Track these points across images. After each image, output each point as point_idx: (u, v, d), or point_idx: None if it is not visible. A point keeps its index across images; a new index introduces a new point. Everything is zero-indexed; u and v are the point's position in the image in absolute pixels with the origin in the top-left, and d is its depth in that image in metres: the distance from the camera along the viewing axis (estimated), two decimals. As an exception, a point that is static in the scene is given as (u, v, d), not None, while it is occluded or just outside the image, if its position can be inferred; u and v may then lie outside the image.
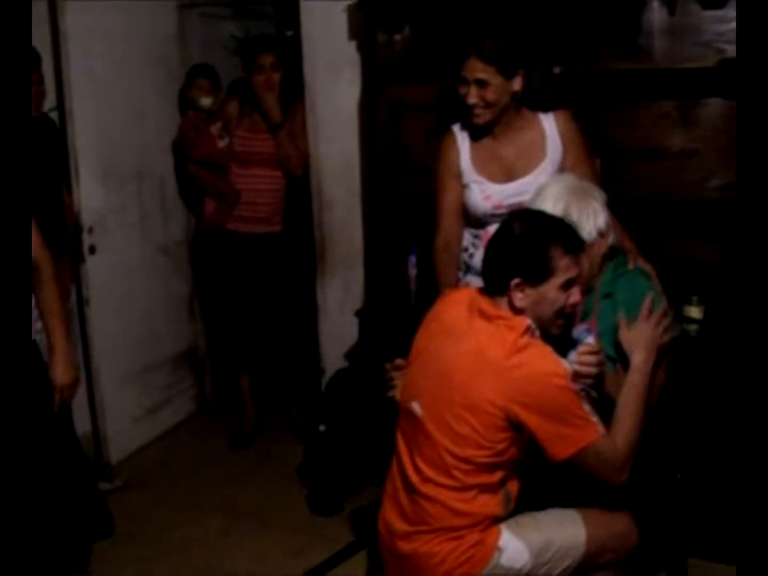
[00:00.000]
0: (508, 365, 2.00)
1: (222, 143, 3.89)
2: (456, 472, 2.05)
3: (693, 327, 2.93)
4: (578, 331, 2.42)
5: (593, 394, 2.20)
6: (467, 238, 2.89)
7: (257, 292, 3.98)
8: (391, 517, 2.21)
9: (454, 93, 2.72)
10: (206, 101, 3.93)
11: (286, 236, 3.98)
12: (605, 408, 2.19)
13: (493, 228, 2.73)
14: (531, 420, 1.99)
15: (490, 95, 2.63)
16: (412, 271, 3.31)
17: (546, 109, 2.76)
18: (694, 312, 2.93)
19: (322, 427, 3.42)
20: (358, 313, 3.52)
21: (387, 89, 3.39)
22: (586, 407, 2.04)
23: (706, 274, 3.10)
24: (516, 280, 2.07)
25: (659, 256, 2.97)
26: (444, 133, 2.87)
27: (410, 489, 2.15)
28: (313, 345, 3.92)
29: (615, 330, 2.35)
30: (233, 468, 3.88)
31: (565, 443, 2.00)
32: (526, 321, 2.06)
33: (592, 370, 2.14)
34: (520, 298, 2.08)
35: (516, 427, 2.02)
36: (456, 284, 2.78)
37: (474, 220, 2.84)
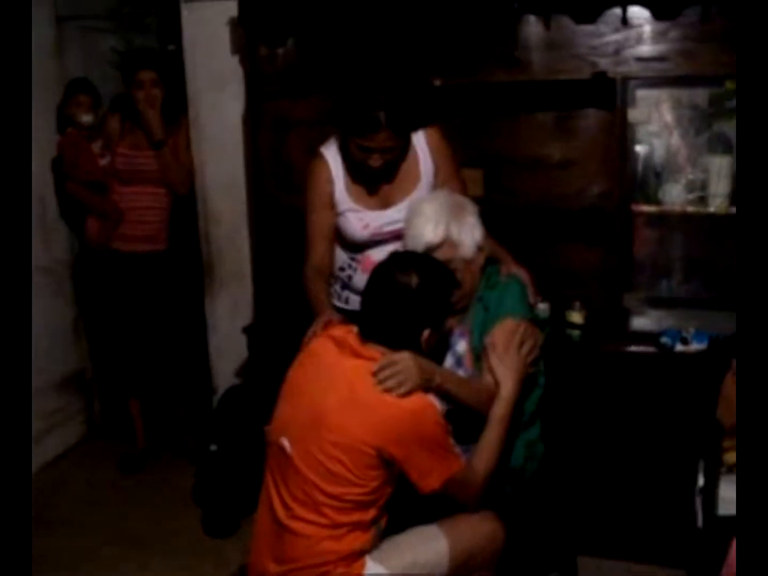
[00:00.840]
0: (380, 404, 2.01)
1: (103, 161, 3.79)
2: (326, 510, 2.03)
3: (575, 332, 2.99)
4: (453, 336, 2.46)
5: (448, 406, 2.23)
6: (343, 258, 2.80)
7: (144, 312, 3.88)
8: (262, 560, 2.16)
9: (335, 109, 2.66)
10: (87, 118, 3.82)
11: (173, 253, 3.89)
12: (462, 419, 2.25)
13: (373, 253, 2.72)
14: (403, 456, 2.01)
15: (394, 156, 2.58)
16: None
17: (416, 128, 2.69)
18: (576, 317, 3.00)
19: (213, 447, 3.36)
20: (247, 330, 3.48)
21: (270, 104, 3.38)
22: (451, 440, 2.10)
23: (587, 280, 3.19)
24: (427, 332, 2.13)
25: (542, 263, 3.05)
26: (314, 158, 2.73)
27: (279, 527, 2.11)
28: (204, 363, 3.86)
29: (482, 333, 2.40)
30: (125, 493, 3.78)
31: (433, 475, 2.05)
32: None
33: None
34: (425, 340, 2.14)
35: (388, 464, 2.03)
36: (330, 303, 2.65)
37: (351, 245, 2.76)
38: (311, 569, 2.05)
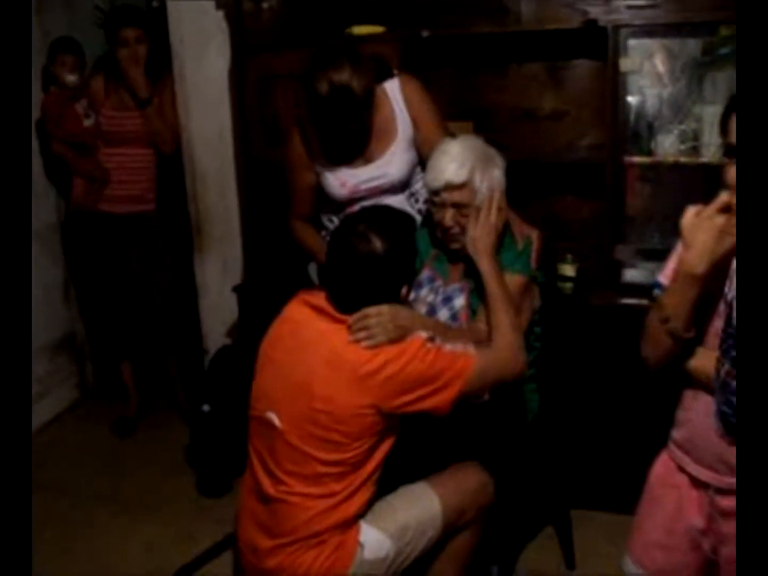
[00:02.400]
0: (366, 372, 1.96)
1: (88, 122, 3.72)
2: (326, 479, 2.01)
3: (567, 285, 2.97)
4: (452, 289, 2.44)
5: None
6: (326, 213, 2.86)
7: (134, 274, 3.84)
8: (251, 535, 2.13)
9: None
10: (71, 78, 3.73)
11: (161, 215, 3.86)
12: None
13: (353, 207, 2.71)
14: (403, 402, 1.98)
15: (365, 116, 2.59)
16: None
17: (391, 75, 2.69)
18: (568, 270, 2.98)
19: (206, 407, 3.35)
20: (237, 289, 3.45)
21: (255, 58, 3.31)
22: (448, 347, 2.04)
23: (579, 232, 3.16)
24: (405, 289, 2.12)
25: (533, 215, 3.01)
26: (294, 120, 2.78)
27: (268, 501, 2.08)
28: (195, 324, 3.83)
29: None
30: (118, 455, 3.78)
31: (445, 392, 2.00)
32: None
33: None
34: (403, 296, 2.13)
35: (389, 416, 2.00)
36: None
37: (334, 204, 2.78)
38: (306, 540, 2.03)
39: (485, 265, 2.26)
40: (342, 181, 2.69)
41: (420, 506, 2.15)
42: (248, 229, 3.60)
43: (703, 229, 1.57)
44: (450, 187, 2.33)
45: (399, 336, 2.02)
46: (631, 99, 2.96)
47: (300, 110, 2.71)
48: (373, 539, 2.06)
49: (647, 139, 2.94)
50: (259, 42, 3.31)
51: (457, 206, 2.35)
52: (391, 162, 2.67)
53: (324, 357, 2.00)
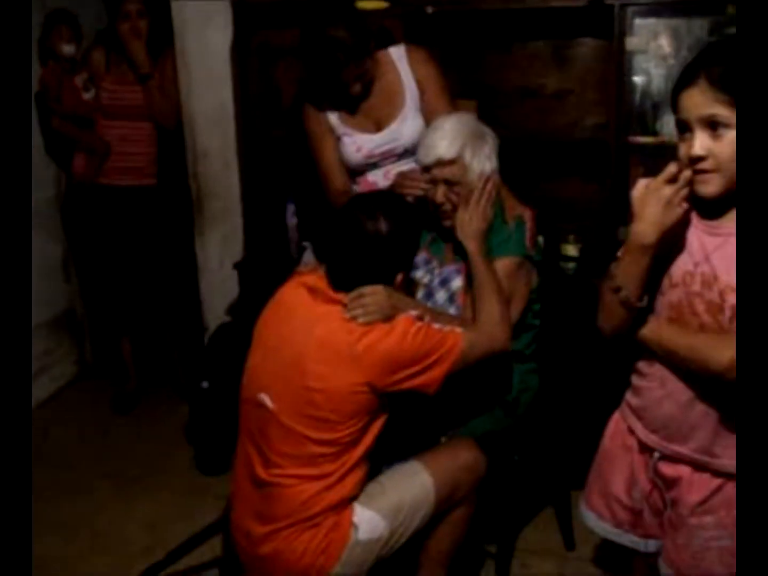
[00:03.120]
0: (359, 350, 1.96)
1: (87, 95, 3.70)
2: (320, 460, 2.00)
3: (570, 265, 2.96)
4: (448, 270, 2.43)
5: None
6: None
7: (134, 249, 3.82)
8: (245, 521, 2.12)
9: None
10: (68, 49, 3.70)
11: (162, 190, 3.83)
12: None
13: (369, 175, 2.78)
14: (394, 380, 1.99)
15: (368, 75, 2.65)
16: (291, 220, 3.24)
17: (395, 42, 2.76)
18: (571, 250, 2.97)
19: (205, 384, 3.34)
20: (237, 266, 3.44)
21: (258, 34, 3.29)
22: (436, 326, 2.06)
23: (582, 213, 3.14)
24: (400, 275, 2.11)
25: (537, 195, 3.00)
26: (307, 98, 2.81)
27: (261, 486, 2.07)
28: (194, 301, 3.82)
29: None
30: (117, 432, 3.77)
31: (436, 369, 2.02)
32: None
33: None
34: (398, 283, 2.12)
35: (381, 394, 2.00)
36: None
37: (349, 170, 2.82)
38: (301, 524, 2.02)
39: (472, 249, 2.27)
40: (358, 145, 2.74)
41: (412, 485, 2.15)
42: (249, 206, 3.58)
43: (652, 201, 1.62)
44: (440, 163, 2.33)
45: (392, 314, 2.03)
46: (637, 79, 2.94)
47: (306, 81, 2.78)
48: (367, 520, 2.06)
49: (652, 119, 2.92)
50: (261, 18, 3.28)
51: (449, 183, 2.35)
52: (402, 127, 2.70)
53: (318, 336, 2.00)
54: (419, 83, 2.70)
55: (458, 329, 2.08)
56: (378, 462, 2.17)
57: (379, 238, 2.03)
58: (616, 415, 2.00)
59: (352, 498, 2.06)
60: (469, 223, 2.30)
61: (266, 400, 2.04)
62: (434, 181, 2.37)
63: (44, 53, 3.77)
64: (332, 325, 2.00)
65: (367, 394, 1.98)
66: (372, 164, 2.76)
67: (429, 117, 2.65)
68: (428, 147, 2.35)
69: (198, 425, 3.45)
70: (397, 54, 2.73)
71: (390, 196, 2.29)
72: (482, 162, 2.35)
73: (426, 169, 2.37)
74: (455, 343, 2.04)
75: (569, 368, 2.86)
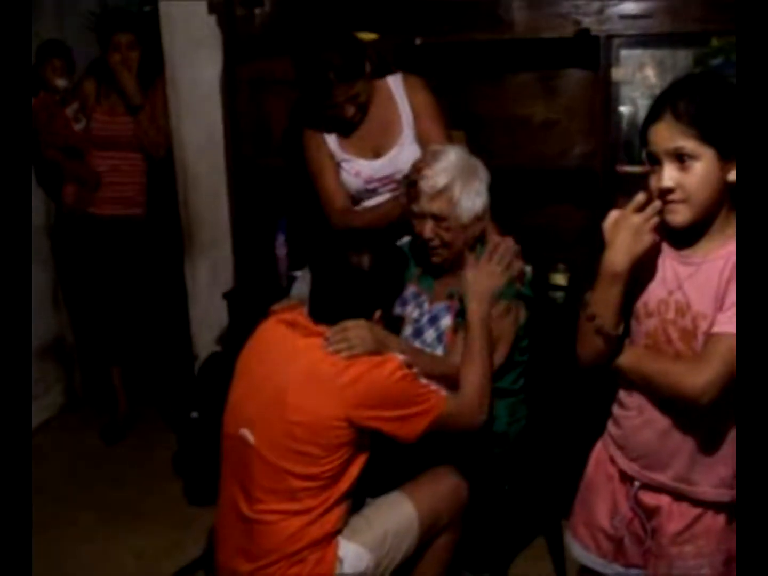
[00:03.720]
0: (343, 383, 1.95)
1: (78, 126, 3.71)
2: (302, 494, 1.99)
3: (559, 294, 2.97)
4: (438, 308, 2.42)
5: None
6: None
7: (123, 278, 3.83)
8: (231, 559, 2.10)
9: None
10: (61, 83, 3.71)
11: (151, 220, 3.85)
12: None
13: (369, 202, 2.78)
14: (373, 417, 1.97)
15: (362, 98, 2.64)
16: (281, 251, 3.24)
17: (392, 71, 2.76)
18: (560, 279, 2.98)
19: (194, 414, 3.32)
20: (227, 296, 3.44)
21: (247, 64, 3.30)
22: (423, 380, 2.05)
23: (571, 242, 3.15)
24: (378, 313, 2.12)
25: (525, 224, 3.01)
26: (306, 127, 2.82)
27: (244, 522, 2.05)
28: (184, 330, 3.82)
29: None
30: (106, 463, 3.75)
31: (413, 422, 2.00)
32: None
33: None
34: (375, 321, 2.12)
35: (361, 430, 1.99)
36: None
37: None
38: (286, 560, 2.00)
39: (473, 310, 2.24)
40: (357, 170, 2.74)
41: (396, 515, 2.14)
42: (239, 235, 3.58)
43: (622, 229, 1.66)
44: (432, 194, 2.31)
45: (376, 349, 2.03)
46: (623, 109, 2.98)
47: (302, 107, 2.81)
48: (352, 553, 2.04)
49: (639, 148, 2.93)
50: (250, 48, 3.29)
51: (436, 218, 2.33)
52: (401, 154, 2.69)
53: (299, 369, 1.99)
54: (414, 109, 2.71)
55: (443, 392, 2.08)
56: (362, 494, 2.16)
57: (360, 272, 2.06)
58: (599, 445, 2.02)
59: (336, 532, 2.05)
60: (475, 283, 2.27)
61: (248, 435, 2.03)
62: (422, 215, 2.35)
63: (35, 83, 3.78)
64: (315, 356, 2.00)
65: (347, 429, 1.96)
66: (372, 191, 2.75)
67: (423, 144, 2.65)
68: (426, 178, 2.33)
69: (187, 455, 3.43)
70: (395, 83, 2.74)
71: (380, 234, 2.30)
72: (472, 198, 2.33)
73: (413, 198, 2.36)
74: (437, 404, 2.03)
75: (559, 397, 2.86)
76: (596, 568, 2.00)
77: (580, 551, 2.03)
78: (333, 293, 2.09)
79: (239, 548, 2.07)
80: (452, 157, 2.35)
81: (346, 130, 2.73)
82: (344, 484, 2.02)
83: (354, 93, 2.60)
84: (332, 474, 1.99)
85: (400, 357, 2.03)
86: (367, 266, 2.06)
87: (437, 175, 2.30)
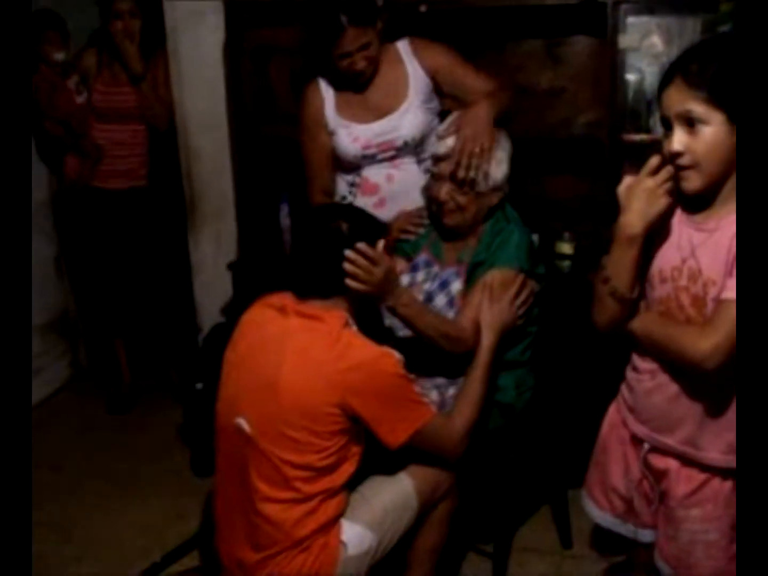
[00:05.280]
0: (337, 367, 1.93)
1: (80, 98, 3.67)
2: (297, 483, 1.96)
3: (565, 263, 2.95)
4: (447, 273, 2.41)
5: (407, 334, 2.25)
6: (343, 186, 2.82)
7: (127, 251, 3.82)
8: (236, 549, 2.08)
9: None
10: (59, 56, 3.64)
11: (154, 192, 3.83)
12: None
13: (369, 173, 2.73)
14: (366, 408, 1.94)
15: (373, 51, 2.58)
16: (285, 221, 3.23)
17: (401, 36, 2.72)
18: (566, 248, 2.96)
19: (199, 385, 3.32)
20: (231, 267, 3.43)
21: (250, 33, 3.28)
22: (417, 389, 2.05)
23: (576, 210, 3.14)
24: (383, 242, 2.10)
25: (531, 193, 3.00)
26: (308, 83, 2.78)
27: (248, 513, 2.03)
28: (188, 302, 3.81)
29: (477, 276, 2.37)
30: (112, 434, 3.76)
31: (400, 427, 1.98)
32: (343, 315, 2.02)
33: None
34: (383, 249, 2.11)
35: (353, 419, 1.97)
36: None
37: (346, 165, 2.77)
38: (291, 549, 1.99)
39: (487, 344, 2.26)
40: (355, 135, 2.69)
41: (394, 490, 2.13)
42: (243, 206, 3.57)
43: (637, 192, 1.70)
44: (449, 156, 2.31)
45: (382, 292, 2.06)
46: (630, 77, 2.94)
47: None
48: (355, 535, 2.04)
49: (645, 117, 2.92)
50: (253, 16, 3.27)
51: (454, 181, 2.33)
52: (403, 119, 2.65)
53: (292, 353, 1.97)
54: (430, 68, 2.66)
55: (433, 408, 2.09)
56: (361, 472, 2.13)
57: (338, 234, 2.05)
58: (612, 407, 2.05)
59: (338, 516, 2.04)
60: (493, 315, 2.28)
61: (244, 424, 2.01)
62: (441, 177, 2.35)
63: (33, 58, 3.73)
64: (310, 338, 1.98)
65: (340, 416, 1.94)
66: (370, 157, 2.70)
67: (460, 92, 2.63)
68: (441, 137, 2.34)
69: (193, 426, 3.43)
70: (404, 47, 2.69)
71: (355, 208, 2.34)
72: (492, 166, 2.33)
73: (435, 161, 2.36)
74: (426, 414, 2.02)
75: (566, 366, 2.85)
76: (610, 527, 2.05)
77: (595, 511, 2.07)
78: (313, 259, 2.07)
79: (244, 539, 2.05)
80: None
81: (354, 87, 2.67)
82: (340, 476, 2.01)
83: (365, 41, 2.53)
84: (326, 464, 1.97)
85: (397, 355, 2.02)
86: (345, 230, 2.05)
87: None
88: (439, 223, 2.45)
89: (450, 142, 2.32)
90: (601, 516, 2.06)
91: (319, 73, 2.74)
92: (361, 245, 2.01)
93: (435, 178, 2.37)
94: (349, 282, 1.99)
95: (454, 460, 2.16)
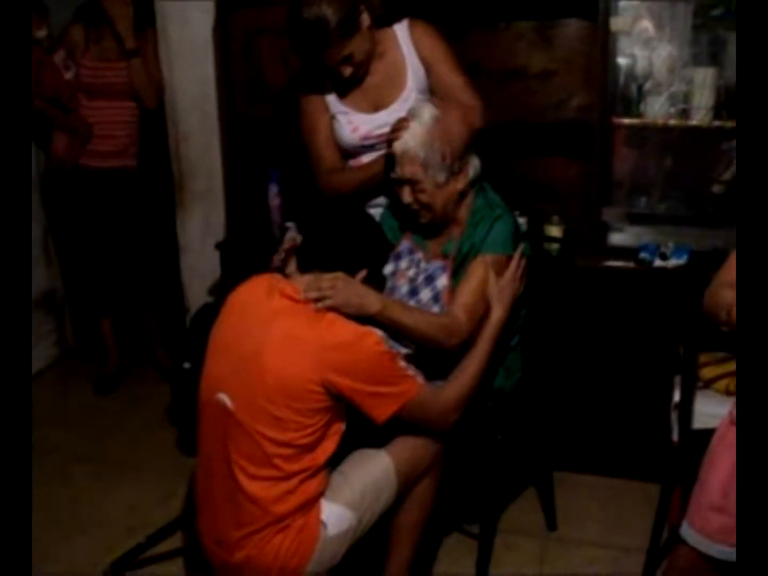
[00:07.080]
0: (323, 345, 1.94)
1: (68, 74, 3.63)
2: (277, 461, 1.96)
3: (553, 246, 2.96)
4: (433, 267, 2.40)
5: (409, 350, 2.23)
6: None
7: (115, 230, 3.80)
8: (216, 527, 2.09)
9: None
10: (41, 33, 3.60)
11: (143, 171, 3.80)
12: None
13: (365, 158, 2.69)
14: (349, 386, 1.95)
15: (359, 56, 2.49)
16: (274, 201, 3.21)
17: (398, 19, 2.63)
18: (555, 231, 2.97)
19: (187, 365, 3.31)
20: (219, 247, 3.42)
21: (240, 12, 3.25)
22: (402, 363, 2.03)
23: (565, 194, 3.14)
24: (362, 273, 2.12)
25: (520, 176, 3.00)
26: (305, 67, 2.70)
27: (229, 490, 2.03)
28: (176, 281, 3.80)
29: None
30: (100, 413, 3.76)
31: (386, 403, 1.99)
32: None
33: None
34: (360, 280, 2.12)
35: (336, 397, 1.97)
36: None
37: (343, 152, 2.72)
38: (270, 527, 2.00)
39: (497, 318, 2.27)
40: (354, 125, 2.63)
41: (373, 469, 2.14)
42: (231, 187, 3.56)
43: None
44: (401, 157, 2.28)
45: (351, 304, 2.04)
46: (621, 60, 2.93)
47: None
48: (334, 514, 2.05)
49: (636, 101, 2.92)
50: (243, -3, 3.25)
51: (410, 182, 2.30)
52: (404, 109, 2.52)
53: (277, 331, 1.97)
54: (424, 60, 2.59)
55: (420, 379, 2.07)
56: (341, 450, 2.13)
57: (353, 223, 2.14)
58: (721, 420, 1.96)
59: (318, 496, 2.05)
60: (501, 288, 2.29)
61: (225, 399, 2.00)
62: (399, 181, 2.33)
63: None
64: (294, 318, 1.99)
65: (323, 394, 1.95)
66: (369, 147, 2.65)
67: (442, 94, 2.55)
68: (390, 139, 2.32)
69: (180, 406, 3.43)
70: (401, 31, 2.61)
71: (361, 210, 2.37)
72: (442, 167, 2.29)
73: (392, 165, 2.34)
74: (412, 388, 2.02)
75: (554, 349, 2.87)
76: (699, 548, 1.93)
77: (692, 535, 1.95)
78: (324, 240, 2.11)
79: (224, 516, 2.06)
80: (425, 116, 2.28)
81: (345, 85, 2.61)
82: (321, 455, 2.01)
83: (347, 53, 2.44)
84: (307, 442, 1.97)
85: (379, 332, 2.02)
86: (351, 219, 2.14)
87: (406, 139, 2.26)
88: (416, 222, 2.43)
89: (400, 143, 2.29)
90: (693, 536, 1.93)
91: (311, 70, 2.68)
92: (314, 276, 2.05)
93: (394, 182, 2.35)
94: (320, 304, 2.00)
95: (447, 428, 2.15)
